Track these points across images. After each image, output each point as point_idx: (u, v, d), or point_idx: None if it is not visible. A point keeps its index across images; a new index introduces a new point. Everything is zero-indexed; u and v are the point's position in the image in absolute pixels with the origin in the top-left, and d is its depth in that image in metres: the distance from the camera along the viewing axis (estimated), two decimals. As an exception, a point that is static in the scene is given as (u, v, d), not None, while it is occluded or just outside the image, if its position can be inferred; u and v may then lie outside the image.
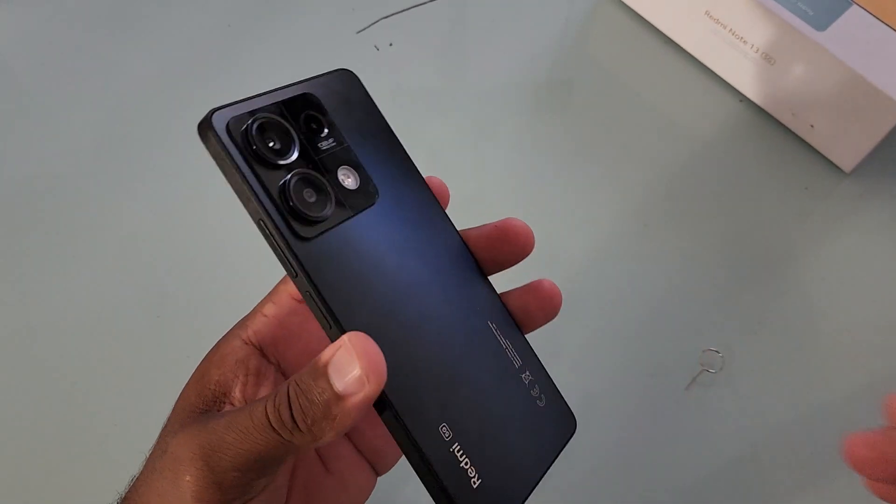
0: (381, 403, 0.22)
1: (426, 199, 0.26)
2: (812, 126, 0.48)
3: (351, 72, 0.27)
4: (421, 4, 0.54)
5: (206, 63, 0.50)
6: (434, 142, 0.48)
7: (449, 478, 0.22)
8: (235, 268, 0.43)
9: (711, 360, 0.42)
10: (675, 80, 0.52)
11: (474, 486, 0.23)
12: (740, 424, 0.41)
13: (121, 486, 0.28)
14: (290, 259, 0.22)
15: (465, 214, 0.46)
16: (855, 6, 0.47)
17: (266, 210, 0.22)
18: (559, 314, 0.44)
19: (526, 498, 0.24)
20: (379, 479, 0.30)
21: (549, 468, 0.25)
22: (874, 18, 0.46)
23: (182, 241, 0.43)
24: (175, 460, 0.23)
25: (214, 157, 0.23)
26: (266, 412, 0.22)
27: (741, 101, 0.51)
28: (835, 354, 0.43)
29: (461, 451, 0.23)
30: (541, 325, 0.27)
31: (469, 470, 0.23)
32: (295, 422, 0.21)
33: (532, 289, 0.27)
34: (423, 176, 0.27)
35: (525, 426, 0.25)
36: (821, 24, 0.46)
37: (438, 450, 0.23)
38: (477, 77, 0.52)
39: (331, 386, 0.21)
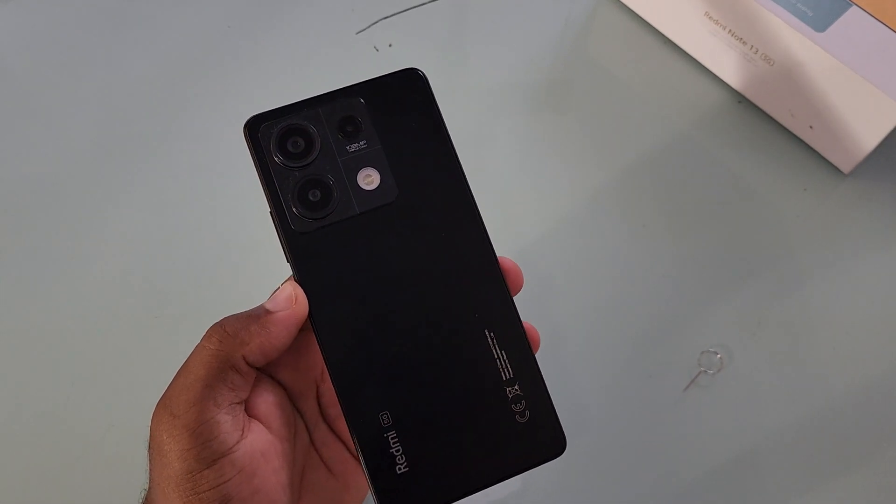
0: (333, 383, 0.25)
1: (460, 206, 0.28)
2: (811, 127, 0.48)
3: (417, 71, 0.29)
4: (421, 5, 0.54)
5: (205, 63, 0.50)
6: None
7: (373, 458, 0.25)
8: (235, 268, 0.43)
9: (710, 361, 0.42)
10: (675, 81, 0.52)
11: (398, 472, 0.25)
12: (739, 426, 0.41)
13: (118, 485, 0.28)
14: (285, 248, 0.26)
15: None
16: (854, 7, 0.47)
17: (273, 205, 0.26)
18: (558, 313, 0.45)
19: (456, 498, 0.25)
20: None
21: (503, 479, 0.26)
22: (874, 20, 0.46)
23: (181, 242, 0.43)
24: (154, 434, 0.25)
25: (249, 153, 0.27)
26: (200, 343, 0.26)
27: (740, 101, 0.51)
28: (834, 355, 0.43)
29: (395, 439, 0.25)
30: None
31: (398, 457, 0.25)
32: (226, 329, 0.26)
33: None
34: (499, 256, 0.28)
35: (488, 435, 0.26)
36: (820, 25, 0.46)
37: (371, 432, 0.25)
38: (476, 77, 0.52)
39: (262, 306, 0.26)
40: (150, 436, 0.26)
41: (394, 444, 0.25)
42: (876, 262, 0.46)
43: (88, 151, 0.46)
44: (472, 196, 0.28)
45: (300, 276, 0.26)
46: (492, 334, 0.27)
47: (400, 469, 0.25)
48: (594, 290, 0.44)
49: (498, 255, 0.28)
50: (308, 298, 0.26)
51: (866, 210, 0.48)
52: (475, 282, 0.27)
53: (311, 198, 0.26)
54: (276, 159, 0.27)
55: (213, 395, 0.25)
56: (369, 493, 0.25)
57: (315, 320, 0.26)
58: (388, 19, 0.53)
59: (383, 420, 0.25)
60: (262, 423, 0.27)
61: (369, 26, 0.53)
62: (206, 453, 0.25)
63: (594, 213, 0.46)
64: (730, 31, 0.49)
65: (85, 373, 0.39)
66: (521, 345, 0.27)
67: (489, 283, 0.27)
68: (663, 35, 0.54)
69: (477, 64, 0.53)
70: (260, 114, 0.27)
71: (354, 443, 0.25)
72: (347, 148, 0.27)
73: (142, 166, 0.46)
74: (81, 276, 0.42)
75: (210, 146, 0.47)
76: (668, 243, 0.46)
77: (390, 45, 0.52)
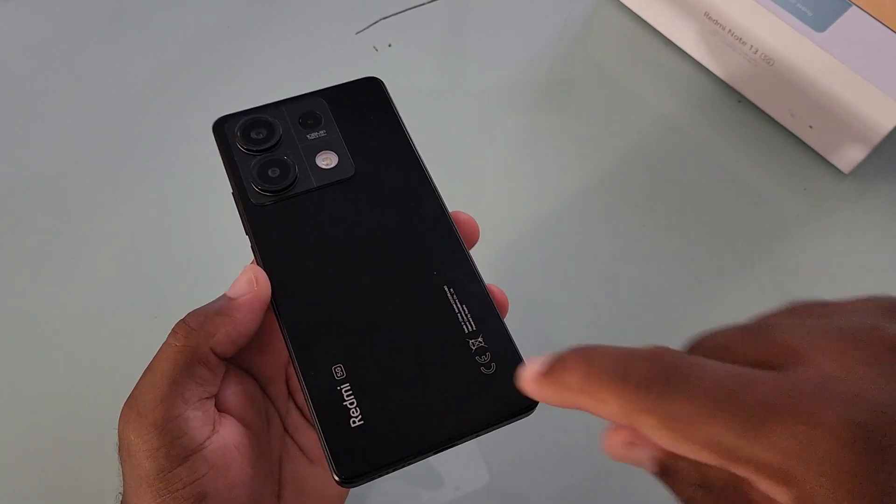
0: (286, 341, 0.25)
1: (415, 178, 0.30)
2: (811, 127, 0.48)
3: (376, 78, 0.32)
4: (420, 5, 0.54)
5: (205, 63, 0.50)
6: (433, 142, 0.48)
7: (325, 411, 0.24)
8: (233, 268, 0.43)
9: (710, 361, 0.42)
10: (674, 81, 0.52)
11: (352, 426, 0.24)
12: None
13: (113, 489, 0.28)
14: (245, 222, 0.28)
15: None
16: (854, 7, 0.47)
17: (234, 183, 0.28)
18: (557, 312, 0.44)
19: (417, 453, 0.24)
20: None
21: (475, 436, 0.25)
22: (873, 20, 0.46)
23: (180, 242, 0.43)
24: (121, 435, 0.25)
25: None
26: (169, 335, 0.26)
27: (740, 101, 0.51)
28: (833, 355, 0.43)
29: (349, 392, 0.24)
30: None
31: (352, 410, 0.24)
32: (189, 324, 0.25)
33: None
34: (451, 211, 0.29)
35: (451, 387, 0.25)
36: (820, 25, 0.46)
37: (323, 384, 0.24)
38: (476, 77, 0.52)
39: (225, 296, 0.26)
40: (119, 437, 0.25)
41: (347, 396, 0.24)
42: (876, 262, 0.46)
43: (87, 151, 0.46)
44: (427, 169, 0.30)
45: (259, 246, 0.27)
46: (451, 290, 0.27)
47: (354, 422, 0.24)
48: (594, 290, 0.44)
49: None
50: (266, 272, 0.27)
51: (866, 210, 0.48)
52: (431, 242, 0.28)
53: (270, 174, 0.28)
54: (239, 146, 0.29)
55: (181, 392, 0.25)
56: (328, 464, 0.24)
57: (273, 291, 0.27)
58: (387, 19, 0.53)
59: (336, 373, 0.25)
60: (233, 415, 0.27)
61: (369, 26, 0.53)
62: (176, 451, 0.24)
63: (594, 212, 0.46)
64: (730, 31, 0.49)
65: (84, 373, 0.39)
66: (482, 299, 0.27)
67: (446, 244, 0.28)
68: (663, 35, 0.54)
69: (477, 64, 0.53)
70: (227, 115, 0.30)
71: (306, 398, 0.24)
72: (308, 136, 0.30)
73: (142, 166, 0.46)
74: (80, 275, 0.42)
75: (210, 146, 0.46)
76: (667, 243, 0.46)
77: (390, 45, 0.52)
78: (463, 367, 0.25)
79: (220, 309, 0.26)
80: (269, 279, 0.27)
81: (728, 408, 0.17)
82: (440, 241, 0.28)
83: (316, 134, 0.30)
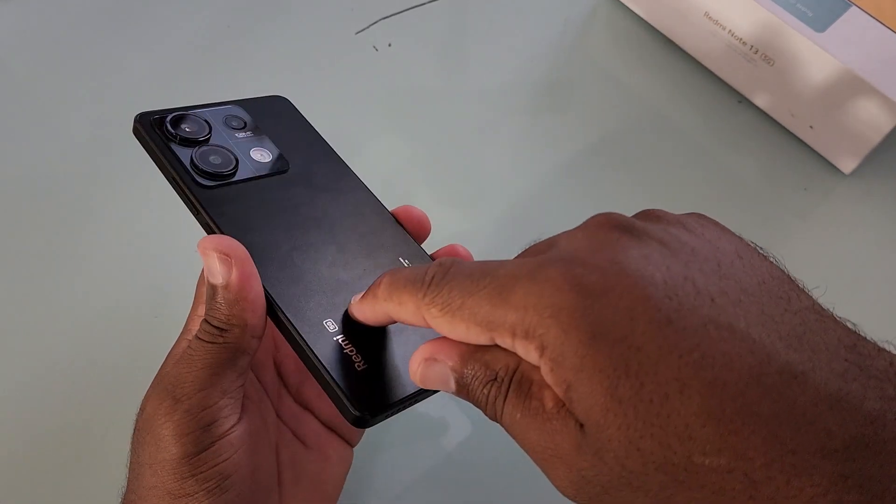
0: (271, 310, 0.26)
1: (350, 181, 0.32)
2: (811, 127, 0.48)
3: (283, 97, 0.35)
4: (420, 5, 0.54)
5: (204, 63, 0.50)
6: (433, 142, 0.48)
7: (329, 359, 0.25)
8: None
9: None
10: (674, 81, 0.52)
11: (358, 369, 0.25)
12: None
13: (116, 485, 0.28)
14: (193, 200, 0.28)
15: (465, 214, 0.46)
16: (854, 7, 0.47)
17: (176, 173, 0.29)
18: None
19: (419, 392, 0.25)
20: (357, 452, 0.33)
21: None
22: (873, 20, 0.47)
23: (180, 241, 0.43)
24: (150, 416, 0.25)
25: (142, 144, 0.30)
26: (198, 336, 0.26)
27: (740, 101, 0.51)
28: (834, 355, 0.43)
29: (346, 342, 0.26)
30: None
31: (354, 356, 0.25)
32: (217, 326, 0.25)
33: (400, 213, 0.31)
34: (403, 205, 0.32)
35: (430, 332, 0.26)
36: (820, 25, 0.46)
37: (320, 337, 0.25)
38: (476, 78, 0.52)
39: (214, 286, 0.25)
40: (145, 418, 0.25)
41: (346, 346, 0.25)
42: (876, 262, 0.46)
43: (87, 150, 0.46)
44: (358, 176, 0.33)
45: (218, 222, 0.28)
46: (406, 261, 0.30)
47: (359, 366, 0.25)
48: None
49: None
50: (223, 230, 0.27)
51: (866, 210, 0.48)
52: (379, 229, 0.31)
53: (213, 161, 0.29)
54: (173, 138, 0.30)
55: (220, 382, 0.25)
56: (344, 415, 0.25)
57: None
58: (387, 19, 0.53)
59: (329, 326, 0.26)
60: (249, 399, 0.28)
61: (369, 26, 0.53)
62: (207, 437, 0.25)
63: (594, 212, 0.46)
64: (730, 31, 0.49)
65: (84, 373, 0.39)
66: (427, 259, 0.30)
67: (391, 230, 0.31)
68: (663, 35, 0.54)
69: (476, 64, 0.53)
70: (149, 111, 0.30)
71: (306, 351, 0.25)
72: (237, 135, 0.31)
73: (141, 165, 0.46)
74: (80, 275, 0.42)
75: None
76: (668, 243, 0.46)
77: (390, 45, 0.52)
78: None
79: (232, 302, 0.25)
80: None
81: (484, 284, 0.20)
82: (385, 229, 0.31)
83: (244, 134, 0.31)
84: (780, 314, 0.20)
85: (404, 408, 0.25)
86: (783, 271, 0.22)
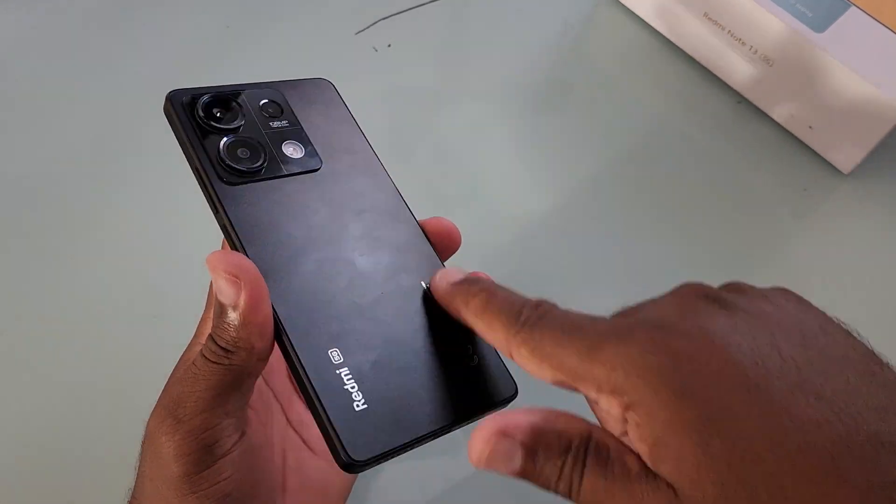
0: (276, 329, 0.24)
1: (383, 185, 0.30)
2: (810, 127, 0.49)
3: (327, 80, 0.32)
4: (420, 5, 0.54)
5: (204, 63, 0.50)
6: (433, 142, 0.48)
7: (327, 394, 0.23)
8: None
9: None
10: (674, 82, 0.52)
11: (356, 409, 0.23)
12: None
13: (115, 487, 0.28)
14: (214, 198, 0.27)
15: (465, 214, 0.46)
16: (853, 8, 0.47)
17: (200, 163, 0.27)
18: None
19: (420, 437, 0.24)
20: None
21: (468, 423, 0.25)
22: (873, 20, 0.47)
23: (180, 241, 0.43)
24: (152, 433, 0.25)
25: (170, 124, 0.28)
26: (203, 353, 0.25)
27: (739, 102, 0.51)
28: (833, 355, 0.43)
29: (349, 376, 0.24)
30: (446, 258, 0.30)
31: (354, 394, 0.24)
32: (223, 347, 0.24)
33: (430, 225, 0.30)
34: (435, 216, 0.30)
35: (441, 375, 0.26)
36: (819, 25, 0.46)
37: (321, 368, 0.24)
38: (476, 78, 0.52)
39: (222, 305, 0.24)
40: (148, 435, 0.25)
41: (347, 380, 0.24)
42: (876, 262, 0.46)
43: (87, 150, 0.46)
44: (392, 179, 0.31)
45: (236, 225, 0.26)
46: (427, 285, 0.28)
47: (358, 406, 0.23)
48: (593, 291, 0.44)
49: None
50: (249, 254, 0.26)
51: (866, 210, 0.48)
52: (405, 247, 0.29)
53: (240, 155, 0.27)
54: (202, 123, 0.28)
55: (224, 403, 0.25)
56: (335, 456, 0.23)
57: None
58: (387, 19, 0.53)
59: (333, 357, 0.24)
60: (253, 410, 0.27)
61: (369, 26, 0.53)
62: (207, 458, 0.24)
63: (593, 212, 0.46)
64: (730, 31, 0.49)
65: (84, 373, 0.39)
66: None
67: (416, 244, 0.29)
68: (663, 35, 0.54)
69: (476, 64, 0.53)
70: (180, 88, 0.28)
71: (305, 382, 0.24)
72: (271, 124, 0.29)
73: (141, 165, 0.46)
74: (80, 275, 0.42)
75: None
76: (667, 243, 0.46)
77: (389, 46, 0.52)
78: (449, 355, 0.26)
79: (240, 323, 0.24)
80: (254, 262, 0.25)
81: (575, 338, 0.21)
82: (408, 240, 0.29)
83: (279, 123, 0.29)
84: (865, 386, 0.20)
85: (398, 454, 0.24)
86: (867, 346, 0.22)
